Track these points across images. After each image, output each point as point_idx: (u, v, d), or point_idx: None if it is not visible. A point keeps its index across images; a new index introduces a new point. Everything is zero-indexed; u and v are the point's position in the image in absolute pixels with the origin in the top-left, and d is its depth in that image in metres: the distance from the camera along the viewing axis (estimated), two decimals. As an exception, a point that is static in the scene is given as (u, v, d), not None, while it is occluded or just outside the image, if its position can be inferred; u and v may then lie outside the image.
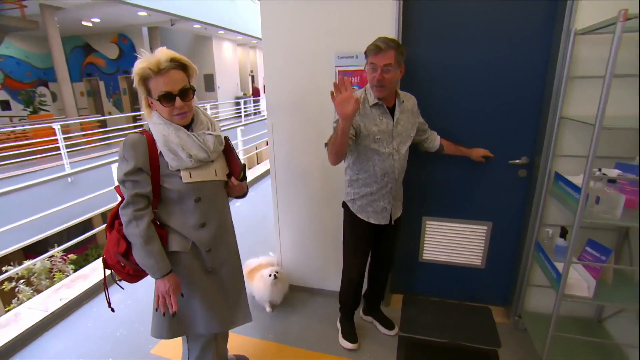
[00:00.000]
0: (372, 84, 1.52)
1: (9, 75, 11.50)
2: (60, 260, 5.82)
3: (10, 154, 6.08)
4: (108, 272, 1.29)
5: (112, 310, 1.33)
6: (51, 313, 2.14)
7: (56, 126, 5.70)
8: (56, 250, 3.34)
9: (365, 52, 1.50)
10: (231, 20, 12.07)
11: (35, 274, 5.52)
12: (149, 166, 1.17)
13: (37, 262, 5.26)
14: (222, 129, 1.98)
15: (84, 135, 8.63)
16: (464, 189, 2.03)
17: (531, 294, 1.96)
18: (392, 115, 1.58)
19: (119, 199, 1.20)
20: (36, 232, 3.16)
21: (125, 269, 1.24)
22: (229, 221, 1.45)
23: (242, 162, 1.44)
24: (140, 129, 1.23)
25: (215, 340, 1.55)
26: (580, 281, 1.55)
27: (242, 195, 1.47)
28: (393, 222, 1.72)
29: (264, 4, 1.93)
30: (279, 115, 2.10)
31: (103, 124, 10.34)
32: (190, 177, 1.22)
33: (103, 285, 1.31)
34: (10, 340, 1.95)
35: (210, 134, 1.27)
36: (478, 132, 1.90)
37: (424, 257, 2.23)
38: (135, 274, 1.26)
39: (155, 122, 1.19)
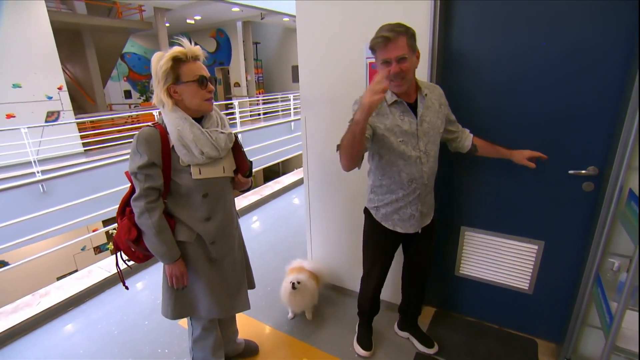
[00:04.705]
0: (389, 80, 1.31)
1: (132, 69, 13.80)
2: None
3: (125, 135, 7.22)
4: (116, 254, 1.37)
5: (127, 288, 1.45)
6: (112, 274, 2.54)
7: (155, 112, 6.63)
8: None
9: (372, 48, 1.29)
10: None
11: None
12: (161, 160, 1.20)
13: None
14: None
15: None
16: (511, 199, 1.73)
17: (588, 335, 1.60)
18: (415, 113, 1.39)
19: (129, 184, 1.27)
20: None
21: (136, 254, 1.32)
22: (234, 215, 1.49)
23: (250, 160, 1.46)
24: (153, 122, 1.26)
25: (221, 322, 1.64)
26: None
27: (247, 189, 1.51)
28: (421, 231, 1.54)
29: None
30: (312, 108, 2.07)
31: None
32: (200, 173, 1.26)
33: (116, 267, 1.37)
34: (83, 290, 2.39)
35: (222, 132, 1.30)
36: (533, 133, 1.58)
37: (460, 272, 1.99)
38: (144, 258, 1.34)
39: (172, 115, 1.20)
